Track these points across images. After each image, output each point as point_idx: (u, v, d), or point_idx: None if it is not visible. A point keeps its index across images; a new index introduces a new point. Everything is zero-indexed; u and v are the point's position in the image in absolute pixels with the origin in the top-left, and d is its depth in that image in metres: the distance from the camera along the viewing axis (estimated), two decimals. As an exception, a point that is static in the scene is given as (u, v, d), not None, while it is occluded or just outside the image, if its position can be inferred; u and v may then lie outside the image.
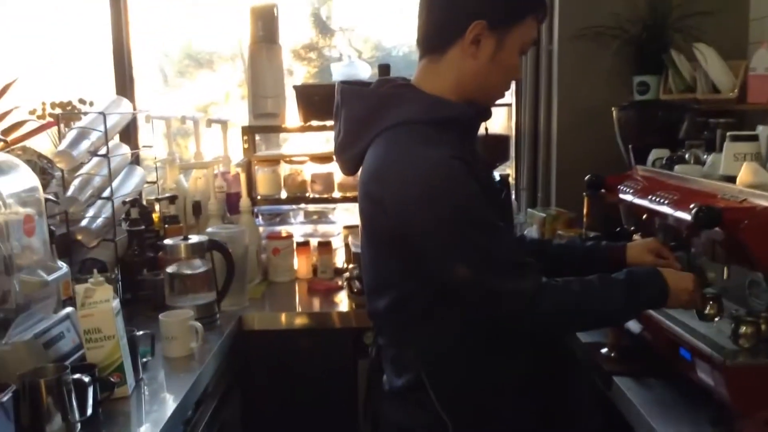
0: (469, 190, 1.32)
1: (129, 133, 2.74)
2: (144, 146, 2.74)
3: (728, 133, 1.62)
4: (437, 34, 1.42)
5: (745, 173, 1.47)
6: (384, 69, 2.60)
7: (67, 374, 1.40)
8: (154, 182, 2.71)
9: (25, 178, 1.61)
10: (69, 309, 1.65)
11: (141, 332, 1.74)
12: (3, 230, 1.49)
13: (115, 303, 1.60)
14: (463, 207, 1.31)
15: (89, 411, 1.44)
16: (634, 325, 1.77)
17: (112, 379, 1.54)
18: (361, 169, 1.46)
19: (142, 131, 2.85)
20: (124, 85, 2.79)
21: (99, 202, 2.31)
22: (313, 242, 2.67)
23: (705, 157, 1.82)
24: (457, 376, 1.43)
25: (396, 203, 1.33)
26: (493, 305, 1.34)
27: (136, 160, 2.74)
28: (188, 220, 2.52)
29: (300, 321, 2.28)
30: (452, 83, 1.42)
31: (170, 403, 1.60)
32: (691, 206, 1.44)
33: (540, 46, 2.65)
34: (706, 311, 1.47)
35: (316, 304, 2.41)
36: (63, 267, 1.67)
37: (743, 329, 1.38)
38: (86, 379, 1.42)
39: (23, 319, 1.54)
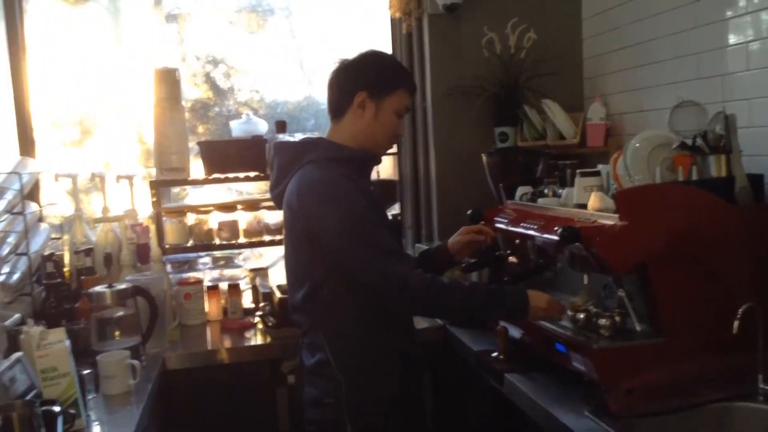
0: (355, 198, 1.79)
1: (32, 191, 2.80)
2: (49, 203, 2.82)
3: (578, 171, 2.05)
4: (337, 104, 1.94)
5: (593, 200, 1.89)
6: (281, 125, 2.88)
7: (37, 407, 1.53)
8: (58, 238, 2.78)
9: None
10: (19, 353, 1.75)
11: (86, 371, 1.87)
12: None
13: (68, 343, 1.74)
14: (350, 208, 1.78)
15: (58, 440, 1.56)
16: (515, 331, 2.14)
17: (71, 411, 1.67)
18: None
19: (44, 189, 2.92)
20: (27, 146, 2.86)
21: (12, 258, 2.38)
22: (222, 285, 2.85)
23: (560, 191, 2.25)
24: (353, 349, 1.85)
25: (305, 209, 1.82)
26: (376, 284, 1.76)
27: (38, 218, 2.81)
28: (100, 271, 2.63)
29: (220, 357, 2.46)
30: (349, 136, 1.92)
31: (123, 435, 1.74)
32: (555, 228, 1.83)
33: (415, 104, 3.05)
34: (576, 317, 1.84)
35: (231, 341, 2.59)
36: (15, 314, 1.78)
37: (602, 321, 1.77)
38: (56, 409, 1.56)
39: (-22, 365, 1.64)
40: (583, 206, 1.96)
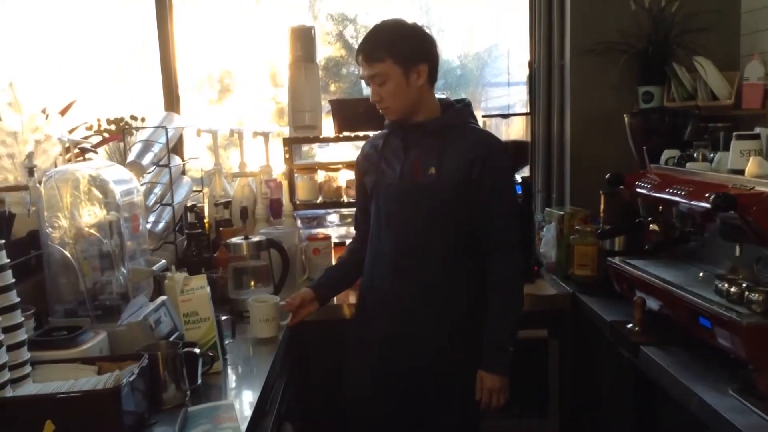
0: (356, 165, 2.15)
1: (176, 145, 2.95)
2: (191, 158, 2.96)
3: (734, 133, 1.88)
4: None
5: (752, 166, 1.73)
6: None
7: (180, 348, 1.62)
8: (199, 190, 2.92)
9: (131, 183, 1.83)
10: (163, 297, 1.86)
11: (224, 317, 1.95)
12: (114, 228, 1.71)
13: (208, 290, 1.83)
14: None
15: (199, 380, 1.65)
16: (653, 303, 2.02)
17: (210, 354, 1.75)
18: None
19: (186, 144, 3.07)
20: (172, 102, 3.01)
21: (158, 208, 2.52)
22: (348, 243, 2.89)
23: (711, 155, 2.08)
24: None
25: None
26: None
27: (182, 171, 2.96)
28: (236, 223, 2.74)
29: (344, 312, 2.50)
30: None
31: (257, 379, 1.79)
32: (707, 195, 1.70)
33: (552, 61, 2.92)
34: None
35: (355, 298, 2.61)
36: (162, 260, 1.89)
37: (755, 296, 1.64)
38: (197, 350, 1.64)
39: (129, 305, 1.75)
40: (739, 172, 1.81)
